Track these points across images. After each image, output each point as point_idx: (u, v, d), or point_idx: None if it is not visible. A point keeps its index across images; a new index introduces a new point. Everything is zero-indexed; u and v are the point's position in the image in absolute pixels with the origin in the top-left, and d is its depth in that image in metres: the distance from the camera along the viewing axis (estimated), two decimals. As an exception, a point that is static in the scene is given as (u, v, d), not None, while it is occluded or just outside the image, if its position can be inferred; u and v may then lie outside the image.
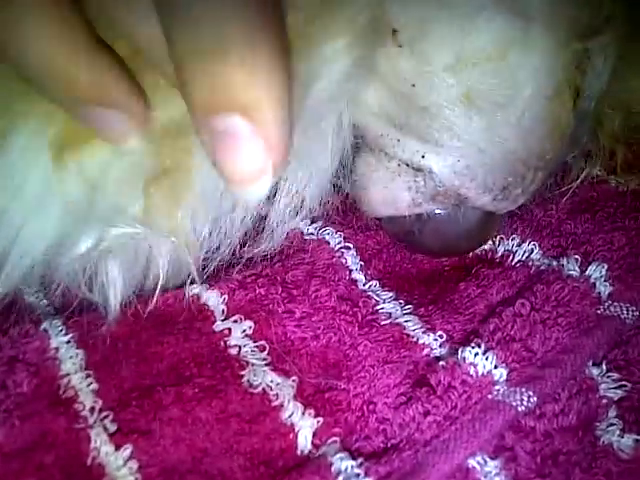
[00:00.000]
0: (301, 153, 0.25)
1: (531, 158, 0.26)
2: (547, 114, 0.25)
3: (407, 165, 0.27)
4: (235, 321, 0.27)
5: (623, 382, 0.25)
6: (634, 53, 0.29)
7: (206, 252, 0.27)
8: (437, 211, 0.28)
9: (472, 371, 0.24)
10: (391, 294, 0.29)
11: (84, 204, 0.23)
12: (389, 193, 0.28)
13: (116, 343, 0.26)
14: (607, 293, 0.27)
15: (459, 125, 0.25)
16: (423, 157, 0.26)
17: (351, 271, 0.30)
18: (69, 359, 0.26)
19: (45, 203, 0.23)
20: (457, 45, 0.24)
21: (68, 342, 0.26)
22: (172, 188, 0.24)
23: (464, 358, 0.24)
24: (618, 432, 0.24)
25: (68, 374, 0.25)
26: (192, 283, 0.29)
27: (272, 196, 0.27)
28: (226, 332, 0.27)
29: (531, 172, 0.26)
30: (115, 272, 0.26)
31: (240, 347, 0.26)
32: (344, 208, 0.34)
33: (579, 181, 0.31)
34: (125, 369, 0.25)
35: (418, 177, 0.27)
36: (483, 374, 0.24)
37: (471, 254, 0.31)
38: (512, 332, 0.25)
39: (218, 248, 0.28)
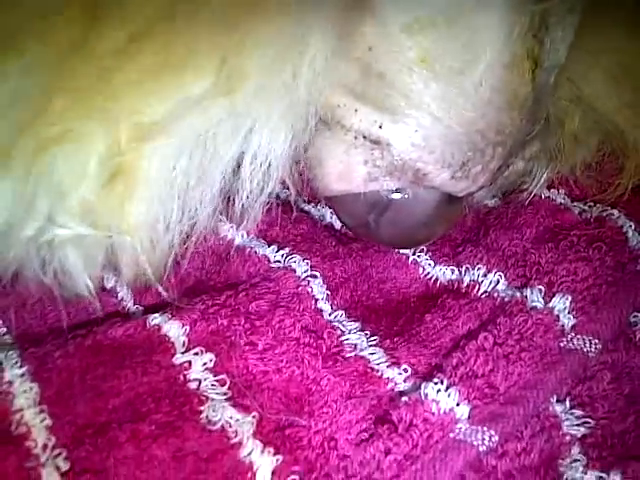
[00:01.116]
0: (260, 118, 0.24)
1: (490, 131, 0.26)
2: (505, 84, 0.25)
3: (364, 137, 0.26)
4: (196, 353, 0.26)
5: (587, 419, 0.24)
6: (592, 41, 0.29)
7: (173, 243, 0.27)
8: (394, 196, 0.27)
9: (434, 408, 0.23)
10: (357, 325, 0.29)
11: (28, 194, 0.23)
12: (344, 167, 0.27)
13: (72, 376, 0.26)
14: (570, 325, 0.27)
15: (416, 92, 0.24)
16: (380, 127, 0.25)
17: (317, 300, 0.30)
18: (23, 393, 0.25)
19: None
20: (416, 4, 0.23)
21: (22, 375, 0.26)
22: (124, 180, 0.23)
23: (426, 394, 0.24)
24: (582, 469, 0.23)
25: (21, 409, 0.24)
26: (154, 312, 0.28)
27: (237, 168, 0.26)
28: (186, 365, 0.26)
29: (490, 147, 0.26)
30: (73, 258, 0.26)
31: (200, 381, 0.25)
32: (312, 235, 0.34)
33: (538, 185, 0.31)
34: (80, 404, 0.25)
35: (375, 150, 0.26)
36: (445, 411, 0.23)
37: (438, 283, 0.31)
38: (475, 367, 0.25)
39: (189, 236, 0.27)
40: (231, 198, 0.27)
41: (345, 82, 0.25)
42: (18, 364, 0.26)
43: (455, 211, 0.30)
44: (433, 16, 0.23)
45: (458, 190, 0.27)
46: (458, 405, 0.23)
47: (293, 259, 0.31)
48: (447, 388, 0.24)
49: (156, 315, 0.28)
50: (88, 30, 0.21)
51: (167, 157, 0.24)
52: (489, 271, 0.30)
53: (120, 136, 0.22)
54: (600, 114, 0.31)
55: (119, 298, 0.31)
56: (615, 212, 0.31)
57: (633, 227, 0.31)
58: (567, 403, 0.25)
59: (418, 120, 0.25)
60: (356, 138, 0.26)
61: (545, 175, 0.31)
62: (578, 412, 0.25)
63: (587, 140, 0.32)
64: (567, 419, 0.24)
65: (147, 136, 0.23)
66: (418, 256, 0.32)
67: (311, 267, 0.31)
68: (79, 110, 0.22)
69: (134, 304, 0.31)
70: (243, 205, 0.27)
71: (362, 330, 0.28)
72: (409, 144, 0.25)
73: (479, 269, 0.30)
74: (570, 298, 0.27)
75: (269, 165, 0.26)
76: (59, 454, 0.23)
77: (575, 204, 0.32)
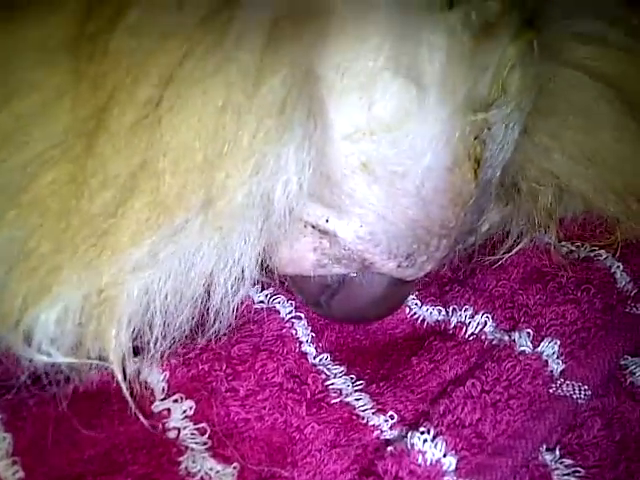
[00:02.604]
0: (238, 238, 0.25)
1: (434, 226, 0.26)
2: (447, 185, 0.25)
3: (312, 227, 0.27)
4: (175, 400, 0.26)
5: (577, 468, 0.24)
6: (551, 126, 0.29)
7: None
8: (345, 278, 0.28)
9: (420, 459, 0.23)
10: (342, 368, 0.28)
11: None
12: (295, 253, 0.28)
13: (47, 426, 0.25)
14: (559, 371, 0.26)
15: (360, 193, 0.25)
16: (327, 221, 0.26)
17: (301, 343, 0.29)
18: (-5, 444, 0.24)
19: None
20: (355, 115, 0.23)
21: (-5, 425, 0.25)
22: (104, 311, 0.23)
23: (412, 444, 0.23)
24: (572, 520, 0.23)
25: (-6, 461, 0.24)
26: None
27: (210, 274, 0.26)
28: (165, 413, 0.25)
29: (435, 239, 0.26)
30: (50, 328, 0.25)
31: (179, 430, 0.25)
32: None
33: (514, 252, 0.31)
34: (55, 455, 0.24)
35: (323, 239, 0.27)
36: (432, 463, 0.23)
37: (425, 324, 0.30)
38: (462, 415, 0.24)
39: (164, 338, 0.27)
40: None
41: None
42: (-9, 413, 0.25)
43: (405, 290, 0.30)
44: (372, 125, 0.24)
45: (405, 276, 0.28)
46: (445, 456, 0.23)
47: (277, 300, 0.30)
48: (434, 438, 0.23)
49: (135, 360, 0.27)
50: (80, 194, 0.22)
51: (147, 283, 0.24)
52: (476, 312, 0.29)
53: (105, 277, 0.23)
54: (572, 192, 0.31)
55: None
56: (603, 253, 0.31)
57: (621, 268, 0.30)
58: (557, 452, 0.24)
59: (362, 217, 0.26)
60: (305, 227, 0.27)
61: (522, 243, 0.31)
62: (568, 461, 0.24)
63: (564, 213, 0.32)
64: (557, 468, 0.24)
65: (132, 270, 0.23)
66: (405, 296, 0.31)
67: (296, 308, 0.30)
68: (70, 269, 0.22)
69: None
70: (216, 310, 0.27)
71: (347, 374, 0.28)
72: (355, 237, 0.26)
73: (466, 310, 0.29)
74: (559, 342, 0.27)
75: (242, 270, 0.26)
76: (30, 509, 0.22)
77: (562, 244, 0.32)
